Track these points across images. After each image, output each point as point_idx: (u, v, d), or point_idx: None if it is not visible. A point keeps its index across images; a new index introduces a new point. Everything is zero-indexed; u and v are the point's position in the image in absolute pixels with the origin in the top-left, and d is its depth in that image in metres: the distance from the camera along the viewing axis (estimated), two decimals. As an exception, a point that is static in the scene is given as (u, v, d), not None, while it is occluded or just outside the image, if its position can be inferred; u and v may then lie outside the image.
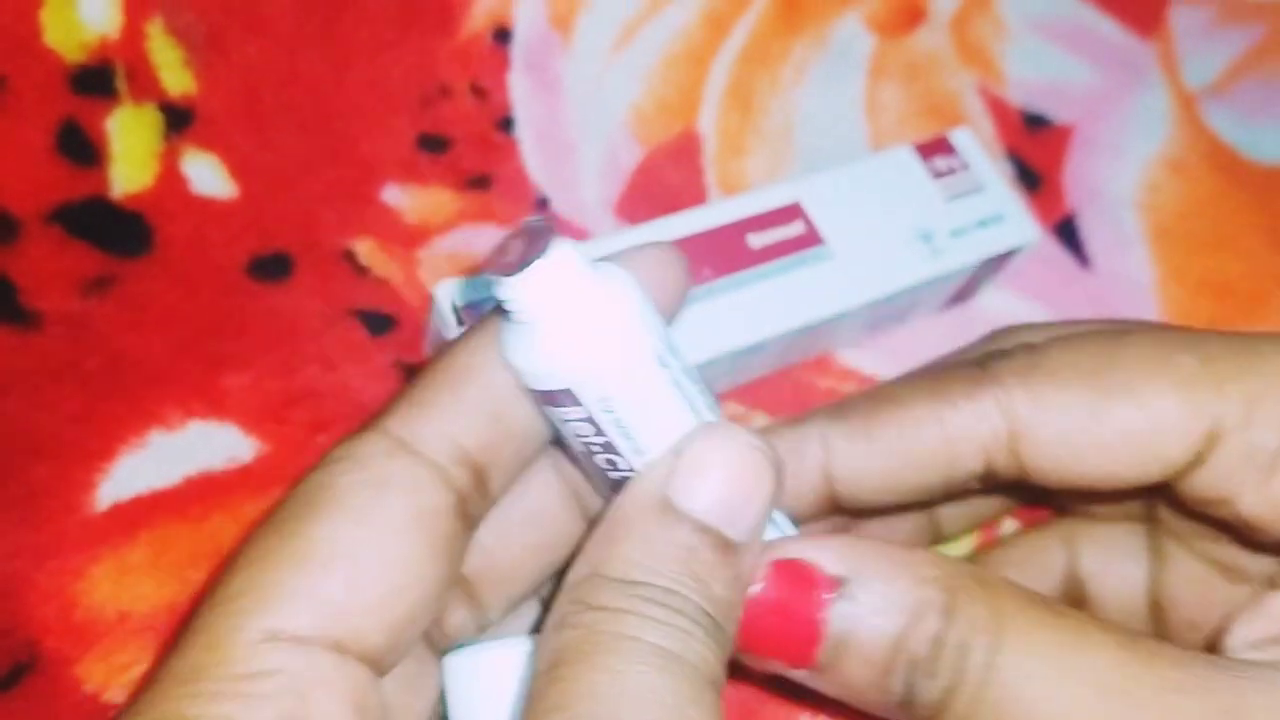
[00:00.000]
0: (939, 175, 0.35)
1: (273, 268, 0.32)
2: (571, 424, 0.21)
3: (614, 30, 0.37)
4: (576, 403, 0.20)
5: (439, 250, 0.33)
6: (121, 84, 0.33)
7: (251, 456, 0.29)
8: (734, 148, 0.37)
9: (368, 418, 0.22)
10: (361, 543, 0.19)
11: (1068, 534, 0.31)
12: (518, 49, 0.37)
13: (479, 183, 0.34)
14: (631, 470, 0.21)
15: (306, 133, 0.34)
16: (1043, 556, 0.31)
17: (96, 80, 0.33)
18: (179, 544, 0.28)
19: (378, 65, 0.35)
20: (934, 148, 0.35)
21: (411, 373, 0.31)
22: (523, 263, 0.20)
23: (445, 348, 0.22)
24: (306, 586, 0.19)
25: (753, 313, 0.31)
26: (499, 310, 0.21)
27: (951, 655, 0.21)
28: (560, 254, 0.20)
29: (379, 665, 0.20)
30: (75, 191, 0.32)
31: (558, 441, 0.23)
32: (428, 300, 0.32)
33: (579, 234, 0.34)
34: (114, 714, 0.19)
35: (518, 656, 0.22)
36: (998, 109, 0.39)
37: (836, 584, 0.21)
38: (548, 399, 0.21)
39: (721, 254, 0.32)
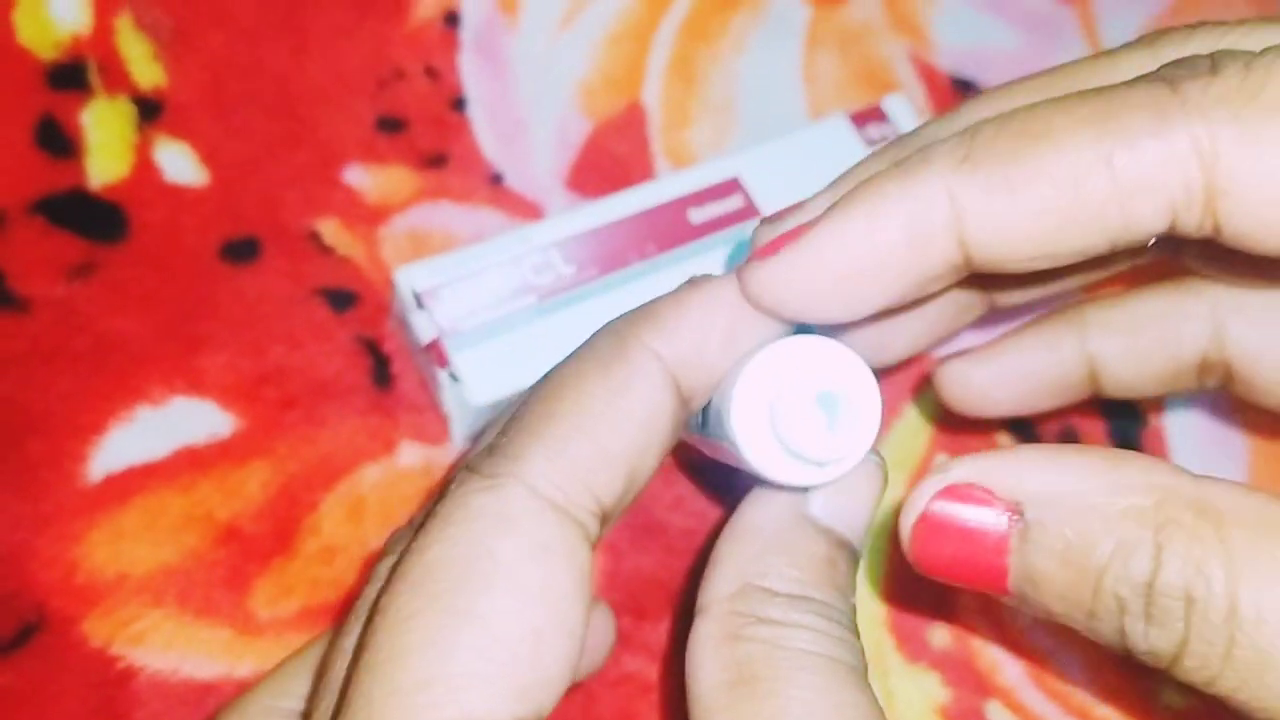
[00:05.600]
0: (872, 143, 0.37)
1: (242, 250, 0.34)
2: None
3: (559, 10, 0.39)
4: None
5: (399, 228, 0.35)
6: (94, 78, 0.35)
7: (229, 431, 0.32)
8: (679, 119, 0.39)
9: (471, 456, 0.21)
10: (542, 622, 0.19)
11: (1213, 300, 0.26)
12: (467, 31, 0.38)
13: (436, 161, 0.37)
14: None
15: (271, 119, 0.36)
16: (1181, 322, 0.27)
17: (70, 76, 0.35)
18: (170, 510, 0.31)
19: (336, 52, 0.37)
20: (867, 116, 0.37)
21: (372, 348, 0.34)
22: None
23: (576, 364, 0.21)
24: (496, 674, 0.18)
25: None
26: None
27: (1172, 605, 0.17)
28: None
29: None
30: (56, 183, 0.34)
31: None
32: (389, 276, 0.34)
33: (532, 209, 0.37)
34: None
35: None
36: (928, 75, 0.41)
37: (1015, 512, 0.19)
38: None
39: (664, 230, 0.34)
